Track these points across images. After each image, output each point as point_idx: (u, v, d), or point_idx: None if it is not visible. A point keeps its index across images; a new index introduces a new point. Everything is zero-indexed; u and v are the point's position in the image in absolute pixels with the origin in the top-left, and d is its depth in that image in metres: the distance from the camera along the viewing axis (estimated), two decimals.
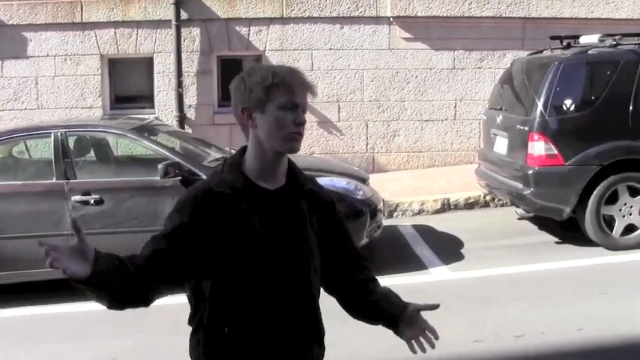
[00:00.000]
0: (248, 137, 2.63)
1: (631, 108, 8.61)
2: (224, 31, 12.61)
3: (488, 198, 10.80)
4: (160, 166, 7.50)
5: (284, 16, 12.63)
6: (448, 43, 13.09)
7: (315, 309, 2.71)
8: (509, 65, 10.63)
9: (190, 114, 12.72)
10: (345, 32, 12.88)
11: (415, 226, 9.84)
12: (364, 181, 8.65)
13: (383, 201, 9.01)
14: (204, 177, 7.37)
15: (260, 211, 2.55)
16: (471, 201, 10.81)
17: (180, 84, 12.52)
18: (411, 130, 13.10)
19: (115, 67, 13.14)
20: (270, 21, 12.66)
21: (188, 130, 12.30)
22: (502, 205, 10.57)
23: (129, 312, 2.69)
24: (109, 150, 8.80)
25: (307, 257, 2.65)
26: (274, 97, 2.51)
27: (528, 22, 13.24)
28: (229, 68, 12.83)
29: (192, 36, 12.63)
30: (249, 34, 12.65)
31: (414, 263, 8.32)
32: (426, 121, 13.12)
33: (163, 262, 2.51)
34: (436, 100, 13.13)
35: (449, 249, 8.80)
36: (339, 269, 2.81)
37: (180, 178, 7.51)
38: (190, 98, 12.75)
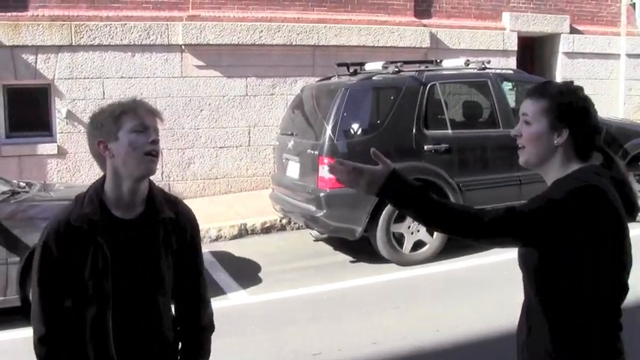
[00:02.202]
0: (106, 170, 2.76)
1: (414, 130, 9.04)
2: (9, 58, 12.08)
3: (284, 222, 10.97)
4: None
5: (73, 43, 12.29)
6: (240, 71, 13.23)
7: (162, 325, 2.87)
8: (299, 92, 10.87)
9: None
10: (137, 60, 12.73)
11: (213, 253, 9.81)
12: None
13: None
14: None
15: (114, 242, 2.70)
16: (267, 225, 10.92)
17: None
18: (206, 157, 13.11)
19: None
20: (58, 49, 12.27)
21: None
22: (298, 228, 10.77)
23: None
24: None
25: (154, 281, 2.80)
26: (124, 123, 2.67)
27: (318, 49, 13.64)
28: (16, 97, 12.36)
29: None
30: (36, 62, 12.22)
31: (212, 289, 8.15)
32: (220, 147, 13.18)
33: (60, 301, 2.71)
34: (230, 126, 13.23)
35: (247, 273, 8.83)
36: (182, 288, 2.96)
37: None
38: None
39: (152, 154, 2.70)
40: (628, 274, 2.55)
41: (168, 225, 2.83)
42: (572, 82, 2.80)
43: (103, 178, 2.78)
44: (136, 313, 2.76)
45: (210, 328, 3.07)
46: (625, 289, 2.54)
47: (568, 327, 2.52)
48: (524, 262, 2.64)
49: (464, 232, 2.56)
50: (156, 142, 2.71)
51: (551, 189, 2.56)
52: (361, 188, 2.60)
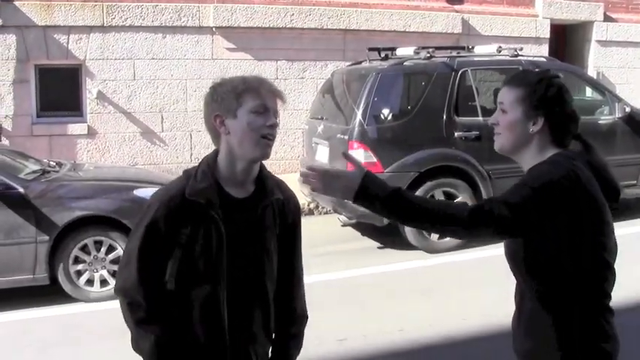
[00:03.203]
0: (220, 146, 2.69)
1: (444, 117, 8.99)
2: (42, 38, 12.17)
3: (312, 206, 10.97)
4: None
5: (105, 24, 12.35)
6: (271, 54, 13.22)
7: (269, 314, 2.78)
8: (330, 76, 10.84)
9: (7, 125, 12.18)
10: (168, 42, 12.75)
11: None
12: None
13: None
14: (21, 190, 7.16)
15: (228, 220, 2.62)
16: None
17: None
18: None
19: None
20: (90, 29, 12.34)
21: (5, 141, 11.79)
22: (326, 213, 10.77)
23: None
24: None
25: (265, 265, 2.72)
26: (245, 102, 2.60)
27: (349, 33, 13.59)
28: (48, 77, 12.43)
29: (8, 43, 12.09)
30: (68, 42, 12.28)
31: None
32: None
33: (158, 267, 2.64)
34: None
35: None
36: (281, 274, 2.85)
37: None
38: (7, 108, 12.19)
39: (268, 138, 2.62)
40: (612, 256, 2.56)
41: (276, 207, 2.77)
42: (548, 70, 2.84)
43: (216, 153, 2.71)
44: (249, 297, 2.70)
45: (304, 317, 2.98)
46: (610, 270, 2.55)
47: (553, 309, 2.54)
48: (507, 251, 2.67)
49: (443, 228, 2.55)
50: (274, 125, 2.63)
51: (528, 177, 2.55)
52: (338, 193, 2.55)
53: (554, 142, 2.64)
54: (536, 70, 3.00)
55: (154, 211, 2.62)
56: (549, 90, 2.62)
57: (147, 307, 2.61)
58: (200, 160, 2.75)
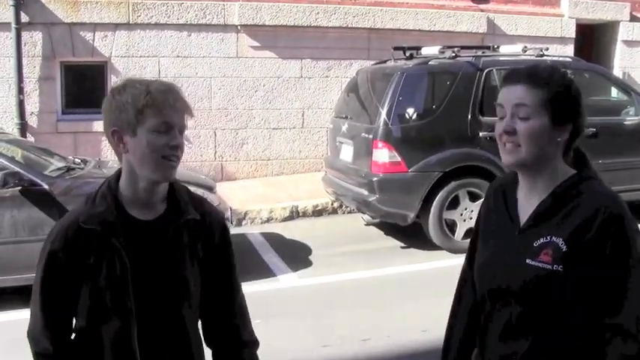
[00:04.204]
0: (121, 160, 2.44)
1: (469, 116, 8.94)
2: (68, 35, 12.23)
3: (335, 205, 10.95)
4: None
5: (130, 22, 12.39)
6: (296, 52, 13.21)
7: (189, 343, 2.53)
8: (354, 75, 10.82)
9: (32, 121, 12.25)
10: (193, 40, 12.78)
11: (264, 234, 9.86)
12: (211, 189, 8.58)
13: (231, 209, 8.98)
14: (45, 186, 7.20)
15: (131, 246, 2.37)
16: (318, 208, 10.92)
17: (21, 90, 12.00)
18: (260, 138, 13.13)
19: None
20: (115, 26, 12.39)
21: (30, 138, 11.88)
22: (349, 212, 10.74)
23: None
24: None
25: (179, 293, 2.46)
26: (146, 119, 2.30)
27: (373, 32, 13.55)
28: (73, 74, 12.50)
29: (34, 40, 12.17)
30: (94, 39, 12.34)
31: (262, 271, 8.32)
32: (274, 129, 13.18)
33: (61, 301, 2.43)
34: (284, 108, 13.22)
35: (297, 256, 8.85)
36: (213, 304, 2.61)
37: (19, 188, 7.23)
38: (32, 105, 12.26)
39: (171, 159, 2.36)
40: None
41: (193, 228, 2.48)
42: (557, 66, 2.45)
43: (118, 173, 2.45)
44: (163, 329, 2.44)
45: (253, 343, 2.68)
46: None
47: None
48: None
49: None
50: (177, 146, 2.36)
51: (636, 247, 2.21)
52: None
53: (564, 153, 2.33)
54: (549, 64, 2.65)
55: (50, 243, 2.39)
56: (577, 91, 2.30)
57: (54, 357, 2.41)
58: None
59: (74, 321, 2.49)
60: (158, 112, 2.31)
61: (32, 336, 2.45)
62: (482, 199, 2.49)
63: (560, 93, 2.25)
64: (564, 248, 2.22)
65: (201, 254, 2.52)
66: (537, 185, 2.32)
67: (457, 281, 2.64)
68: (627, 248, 2.17)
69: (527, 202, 2.36)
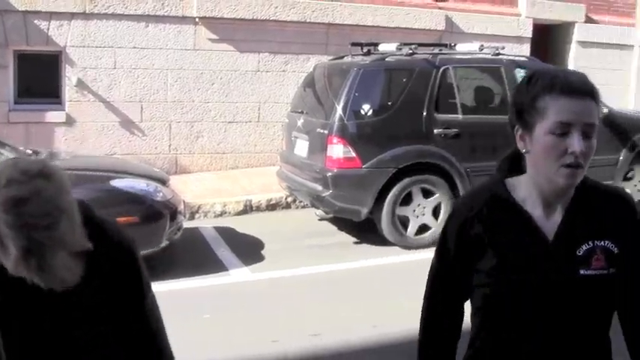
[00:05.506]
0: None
1: (424, 114, 8.99)
2: (22, 24, 12.01)
3: (289, 200, 10.93)
4: None
5: (87, 11, 12.22)
6: (253, 46, 13.16)
7: None
8: (312, 69, 10.82)
9: None
10: (150, 31, 12.65)
11: (217, 228, 9.81)
12: (164, 182, 8.49)
13: (184, 202, 8.91)
14: None
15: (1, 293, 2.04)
16: (272, 202, 10.89)
17: None
18: (215, 132, 13.06)
19: None
20: (72, 16, 12.20)
21: None
22: (303, 207, 10.72)
23: None
24: None
25: (78, 342, 2.15)
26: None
27: (332, 28, 13.55)
28: (27, 63, 12.31)
29: None
30: (49, 28, 12.15)
31: (214, 265, 8.27)
32: (229, 122, 13.12)
33: None
34: (240, 101, 13.17)
35: (250, 250, 8.81)
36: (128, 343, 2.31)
37: None
38: None
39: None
40: None
41: (86, 258, 2.03)
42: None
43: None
44: None
45: None
46: None
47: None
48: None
49: None
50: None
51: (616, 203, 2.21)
52: None
53: None
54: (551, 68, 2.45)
55: None
56: None
57: None
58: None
59: None
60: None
61: None
62: (461, 217, 2.36)
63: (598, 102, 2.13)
64: (614, 249, 2.15)
65: (102, 285, 2.16)
66: (558, 199, 2.21)
67: (431, 284, 2.56)
68: None
69: (545, 213, 2.22)
